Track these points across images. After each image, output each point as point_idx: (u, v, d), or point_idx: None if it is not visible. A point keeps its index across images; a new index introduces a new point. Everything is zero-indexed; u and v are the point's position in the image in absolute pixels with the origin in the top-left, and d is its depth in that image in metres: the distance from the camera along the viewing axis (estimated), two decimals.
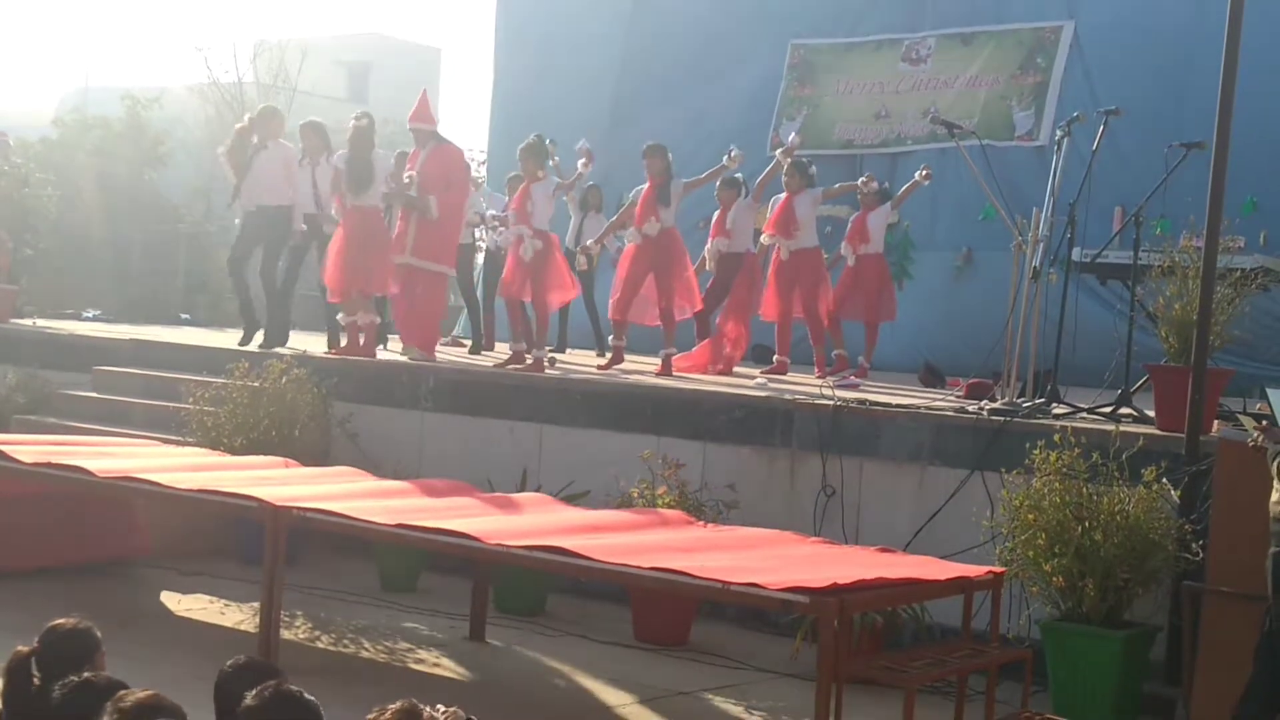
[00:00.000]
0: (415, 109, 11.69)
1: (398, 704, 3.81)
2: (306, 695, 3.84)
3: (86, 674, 3.99)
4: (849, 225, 12.32)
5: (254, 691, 3.71)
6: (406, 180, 11.39)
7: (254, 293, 12.60)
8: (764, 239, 12.04)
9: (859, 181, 12.18)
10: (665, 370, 11.20)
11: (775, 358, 12.10)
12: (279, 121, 12.52)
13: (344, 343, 11.86)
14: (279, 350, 11.65)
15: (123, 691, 3.66)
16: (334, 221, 11.91)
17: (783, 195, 11.90)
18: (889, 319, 12.33)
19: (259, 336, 12.37)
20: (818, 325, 11.98)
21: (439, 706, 3.90)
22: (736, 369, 11.97)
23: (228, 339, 12.85)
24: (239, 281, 12.51)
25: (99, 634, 4.52)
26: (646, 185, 11.50)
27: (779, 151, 12.19)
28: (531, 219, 11.22)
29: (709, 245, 12.09)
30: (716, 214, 12.15)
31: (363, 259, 11.42)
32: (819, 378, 11.20)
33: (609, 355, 11.92)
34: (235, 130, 12.68)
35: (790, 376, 11.56)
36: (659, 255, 11.49)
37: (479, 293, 14.28)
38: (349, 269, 11.47)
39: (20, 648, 4.41)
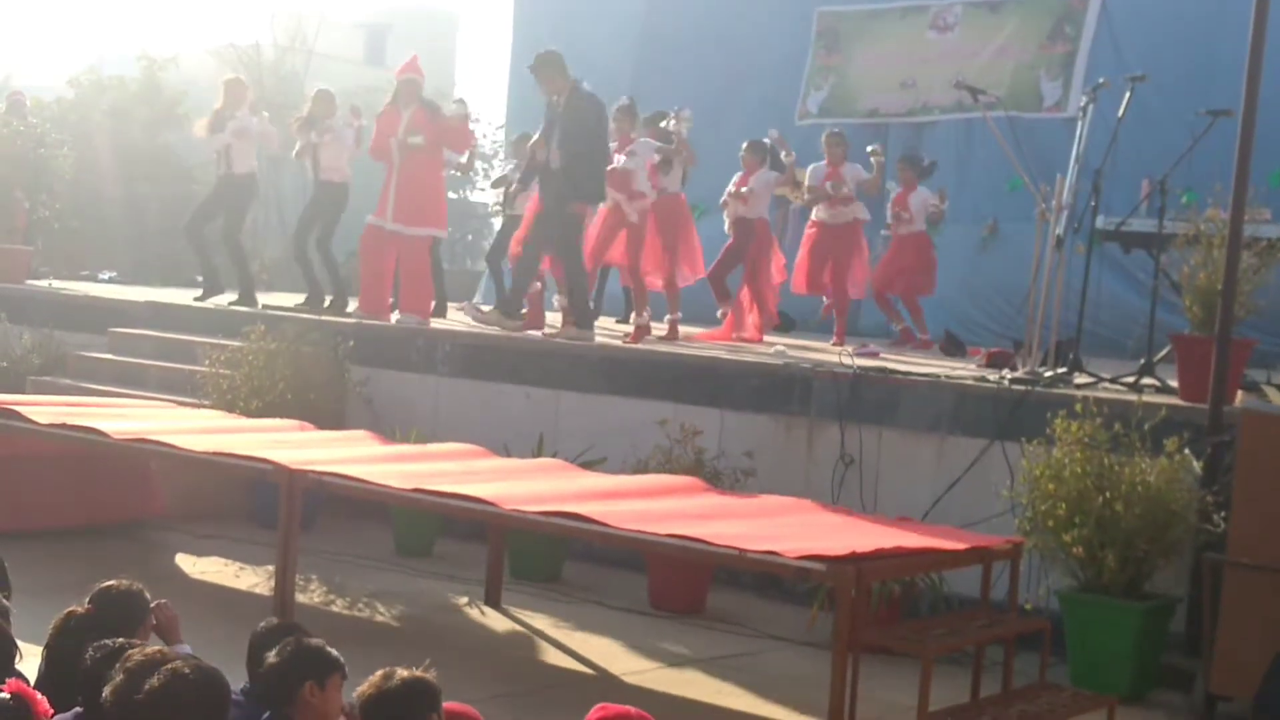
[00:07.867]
0: (408, 63, 11.68)
1: (405, 672, 3.80)
2: (327, 648, 3.88)
3: (121, 640, 3.91)
4: (891, 199, 12.36)
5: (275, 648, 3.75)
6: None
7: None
8: (806, 197, 12.14)
9: (868, 150, 12.20)
10: (672, 334, 11.11)
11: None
12: (242, 92, 12.65)
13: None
14: (300, 315, 11.59)
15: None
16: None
17: (822, 163, 12.05)
18: (927, 294, 12.38)
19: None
20: (844, 298, 12.04)
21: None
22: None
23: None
24: (199, 243, 12.87)
25: (149, 596, 4.47)
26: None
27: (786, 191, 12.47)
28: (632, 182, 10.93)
29: (725, 199, 11.90)
30: (737, 176, 11.96)
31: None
32: (854, 350, 11.07)
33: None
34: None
35: (809, 344, 11.48)
36: (664, 220, 11.37)
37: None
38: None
39: (74, 608, 4.28)
